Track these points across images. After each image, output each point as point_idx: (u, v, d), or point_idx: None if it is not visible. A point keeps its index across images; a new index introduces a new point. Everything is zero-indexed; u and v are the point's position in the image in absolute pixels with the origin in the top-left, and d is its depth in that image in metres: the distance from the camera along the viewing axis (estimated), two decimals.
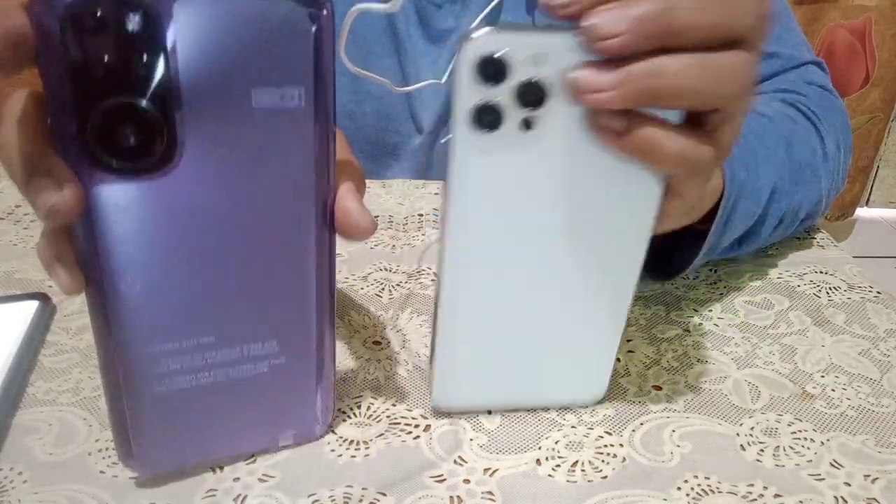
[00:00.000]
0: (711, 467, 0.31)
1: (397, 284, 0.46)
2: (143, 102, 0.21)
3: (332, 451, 0.32)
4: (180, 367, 0.27)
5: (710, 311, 0.44)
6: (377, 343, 0.40)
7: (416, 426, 0.34)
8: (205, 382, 0.28)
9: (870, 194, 1.94)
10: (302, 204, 0.26)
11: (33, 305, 0.39)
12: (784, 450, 0.32)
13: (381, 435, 0.33)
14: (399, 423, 0.34)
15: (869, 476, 0.31)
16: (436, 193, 0.61)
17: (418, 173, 0.69)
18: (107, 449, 0.31)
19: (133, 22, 0.20)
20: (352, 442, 0.33)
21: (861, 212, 1.93)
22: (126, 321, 0.25)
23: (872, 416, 0.35)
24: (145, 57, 0.21)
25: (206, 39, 0.21)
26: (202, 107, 0.22)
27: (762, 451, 0.32)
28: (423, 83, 0.40)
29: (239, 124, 0.23)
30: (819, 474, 0.31)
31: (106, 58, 0.20)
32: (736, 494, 0.30)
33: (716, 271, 0.48)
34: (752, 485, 0.31)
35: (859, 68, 1.61)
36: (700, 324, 0.42)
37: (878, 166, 1.88)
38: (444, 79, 0.41)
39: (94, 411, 0.34)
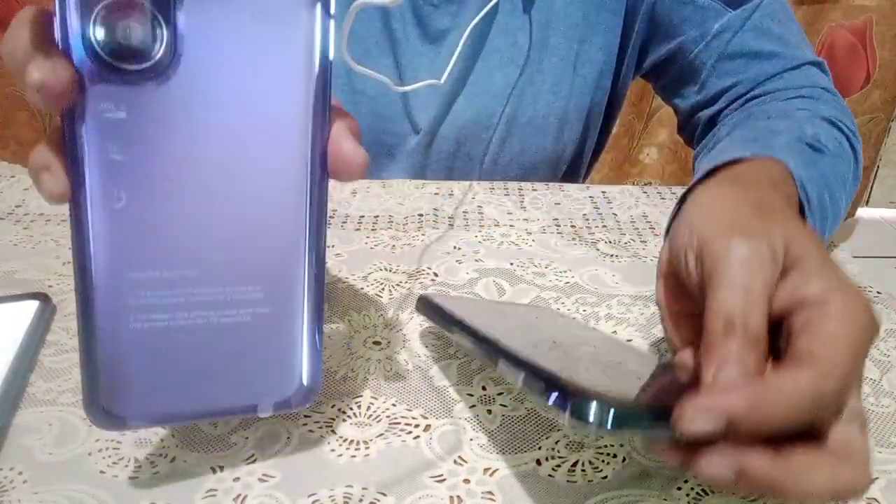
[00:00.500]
0: None
1: (397, 284, 0.46)
2: (150, 4, 0.23)
3: (332, 451, 0.32)
4: (159, 302, 0.26)
5: None
6: (377, 343, 0.40)
7: (416, 426, 0.34)
8: (183, 324, 0.26)
9: (870, 194, 1.94)
10: (296, 133, 0.25)
11: (33, 305, 0.39)
12: None
13: (381, 435, 0.33)
14: (399, 423, 0.34)
15: None
16: (436, 193, 0.61)
17: (415, 173, 0.69)
18: (107, 449, 0.31)
19: None
20: (352, 442, 0.33)
21: (861, 212, 1.93)
22: (107, 240, 0.24)
23: (872, 416, 0.35)
24: None
25: None
26: (204, 24, 0.23)
27: None
28: (421, 83, 0.40)
29: (238, 30, 0.24)
30: None
31: None
32: (736, 494, 0.30)
33: None
34: None
35: (860, 69, 1.61)
36: None
37: (879, 166, 1.88)
38: (444, 78, 0.41)
39: None
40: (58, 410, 0.34)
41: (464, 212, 0.58)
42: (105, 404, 0.26)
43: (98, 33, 0.22)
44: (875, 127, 1.68)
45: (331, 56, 0.25)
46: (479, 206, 0.59)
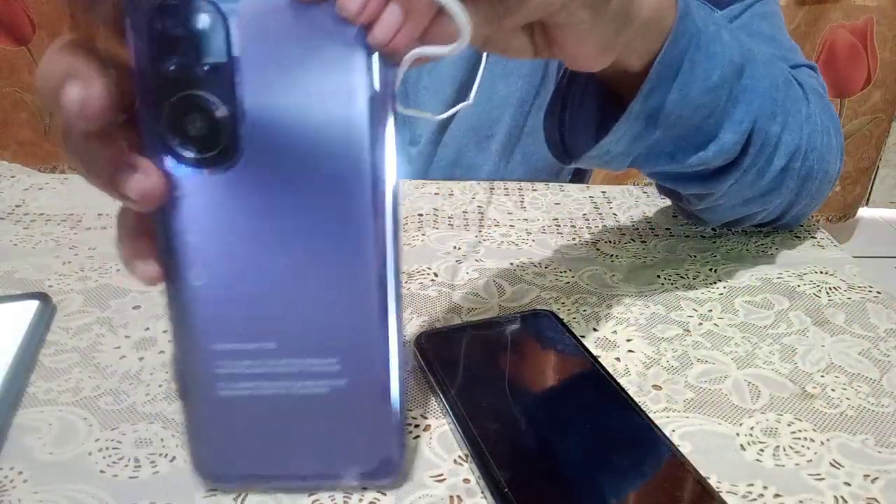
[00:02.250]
0: (711, 467, 0.31)
1: None
2: (208, 94, 0.24)
3: None
4: (242, 372, 0.27)
5: (710, 311, 0.44)
6: None
7: (416, 426, 0.34)
8: (266, 393, 0.27)
9: (870, 194, 1.94)
10: (357, 208, 0.26)
11: (33, 305, 0.39)
12: (784, 450, 0.32)
13: None
14: None
15: (869, 476, 0.31)
16: (436, 193, 0.61)
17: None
18: (107, 449, 0.31)
19: (205, 22, 0.23)
20: None
21: (861, 212, 1.93)
22: (192, 315, 0.26)
23: (872, 415, 0.35)
24: (214, 56, 0.24)
25: (270, 50, 0.24)
26: (263, 106, 0.24)
27: (762, 450, 0.32)
28: (455, 108, 0.40)
29: (296, 123, 0.25)
30: (819, 474, 0.31)
31: (185, 54, 0.24)
32: (736, 494, 0.30)
33: (715, 271, 0.48)
34: (752, 485, 0.31)
35: (861, 69, 1.61)
36: (700, 324, 0.42)
37: (879, 166, 1.88)
38: (471, 98, 0.41)
39: (94, 411, 0.34)
40: (58, 410, 0.34)
41: (464, 212, 0.58)
42: (196, 461, 0.29)
43: (169, 128, 0.24)
44: (876, 127, 1.68)
45: (395, 114, 0.26)
46: (479, 206, 0.59)
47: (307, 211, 0.26)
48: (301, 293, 0.26)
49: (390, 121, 0.25)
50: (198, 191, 0.25)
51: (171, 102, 0.24)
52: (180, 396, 0.28)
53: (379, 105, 0.25)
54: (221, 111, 0.24)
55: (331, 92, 0.24)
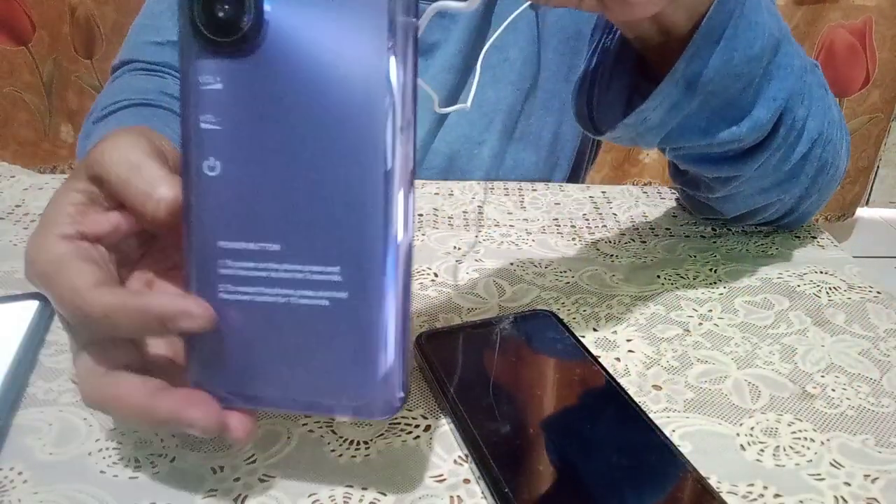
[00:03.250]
0: (711, 467, 0.31)
1: None
2: None
3: (332, 451, 0.32)
4: (244, 274, 0.26)
5: (710, 311, 0.44)
6: None
7: (416, 426, 0.34)
8: (266, 300, 0.27)
9: (870, 194, 1.94)
10: (379, 111, 0.25)
11: (33, 305, 0.39)
12: (784, 450, 0.32)
13: (381, 435, 0.33)
14: (399, 423, 0.34)
15: (869, 476, 0.31)
16: (436, 193, 0.61)
17: None
18: (107, 449, 0.31)
19: None
20: (352, 442, 0.33)
21: (861, 212, 1.93)
22: (201, 207, 0.26)
23: (872, 416, 0.35)
24: None
25: None
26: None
27: (762, 451, 0.32)
28: (454, 107, 0.40)
29: (320, 15, 0.25)
30: (819, 474, 0.31)
31: None
32: (736, 494, 0.30)
33: (715, 271, 0.48)
34: (752, 485, 0.31)
35: (859, 68, 1.61)
36: (700, 324, 0.42)
37: (879, 166, 1.88)
38: (469, 103, 0.41)
39: (94, 411, 0.34)
40: (58, 410, 0.34)
41: (464, 212, 0.58)
42: (193, 371, 0.28)
43: (199, 10, 0.25)
44: (875, 127, 1.68)
45: (417, 25, 0.26)
46: (478, 206, 0.59)
47: (324, 111, 0.25)
48: (311, 197, 0.26)
49: (412, 46, 0.25)
50: (216, 75, 0.25)
51: None
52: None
53: (403, 22, 0.25)
54: None
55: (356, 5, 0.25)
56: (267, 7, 0.25)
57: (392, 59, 0.25)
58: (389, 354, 0.26)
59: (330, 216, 0.26)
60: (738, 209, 0.51)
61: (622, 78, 0.42)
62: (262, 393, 0.28)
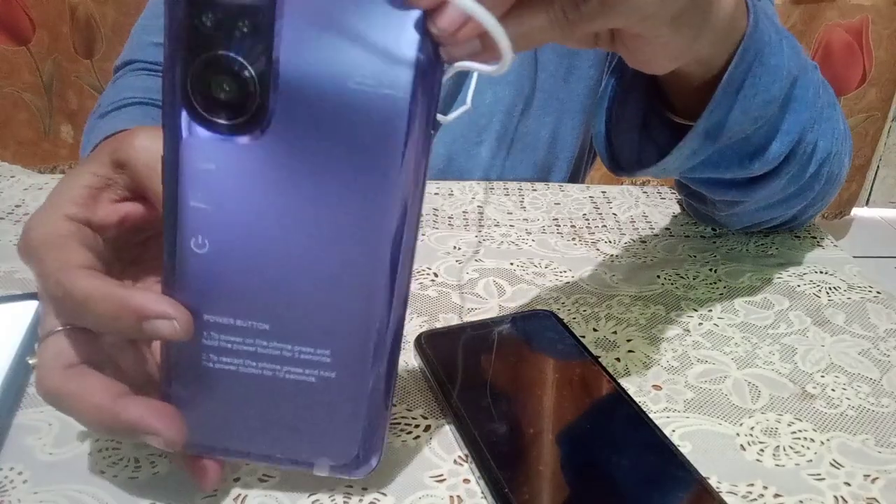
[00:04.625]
0: (711, 467, 0.31)
1: None
2: (241, 58, 0.23)
3: None
4: (230, 347, 0.26)
5: (710, 311, 0.44)
6: None
7: (416, 426, 0.34)
8: (251, 372, 0.27)
9: (870, 194, 1.94)
10: (383, 204, 0.24)
11: (33, 305, 0.39)
12: (784, 450, 0.33)
13: None
14: (399, 423, 0.34)
15: (869, 476, 0.31)
16: (436, 193, 0.61)
17: None
18: (107, 449, 0.31)
19: None
20: None
21: (861, 212, 1.93)
22: (188, 281, 0.26)
23: (872, 416, 0.35)
24: (250, 23, 0.22)
25: (315, 18, 0.22)
26: (299, 78, 0.23)
27: (762, 451, 0.32)
28: (457, 112, 0.40)
29: (333, 102, 0.23)
30: (819, 474, 0.31)
31: (217, 18, 0.22)
32: (736, 494, 0.30)
33: (715, 271, 0.48)
34: (752, 485, 0.31)
35: (856, 67, 1.61)
36: (700, 324, 0.42)
37: (879, 166, 1.89)
38: (468, 101, 0.41)
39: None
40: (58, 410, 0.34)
41: (464, 212, 0.58)
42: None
43: (194, 87, 0.23)
44: (871, 125, 1.69)
45: (434, 125, 0.24)
46: (479, 206, 0.59)
47: (319, 200, 0.24)
48: (305, 279, 0.26)
49: (428, 123, 0.24)
50: (211, 156, 0.24)
51: (200, 60, 0.23)
52: (164, 362, 0.27)
53: (423, 98, 0.23)
54: (251, 76, 0.23)
55: (375, 70, 0.23)
56: (273, 94, 0.23)
57: (402, 179, 0.24)
58: (372, 424, 0.28)
59: (326, 302, 0.26)
60: (742, 223, 0.51)
61: (636, 104, 0.41)
62: (242, 447, 0.28)
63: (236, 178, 0.24)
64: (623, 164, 0.41)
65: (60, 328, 0.27)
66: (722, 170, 0.40)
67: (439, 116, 0.26)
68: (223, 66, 0.23)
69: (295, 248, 0.25)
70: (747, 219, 0.50)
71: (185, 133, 0.24)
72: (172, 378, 0.27)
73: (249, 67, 0.23)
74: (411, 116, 0.23)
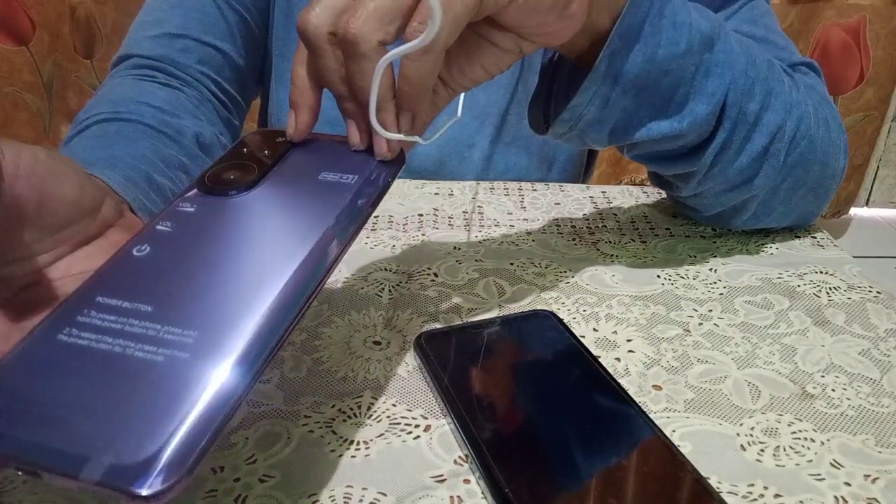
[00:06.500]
0: (711, 467, 0.31)
1: (397, 284, 0.46)
2: (253, 164, 0.33)
3: (332, 451, 0.32)
4: (99, 323, 0.25)
5: (710, 311, 0.44)
6: (377, 343, 0.40)
7: (416, 426, 0.34)
8: (100, 348, 0.25)
9: (869, 194, 1.94)
10: (302, 245, 0.28)
11: None
12: (784, 450, 0.33)
13: (381, 435, 0.33)
14: (399, 423, 0.34)
15: (869, 476, 0.31)
16: (436, 193, 0.61)
17: None
18: None
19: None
20: (352, 442, 0.33)
21: (861, 212, 1.94)
22: (108, 271, 0.28)
23: (872, 416, 0.35)
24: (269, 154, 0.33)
25: (308, 152, 0.34)
26: (283, 174, 0.32)
27: (762, 451, 0.32)
28: (446, 126, 0.40)
29: (304, 185, 0.32)
30: (819, 474, 0.31)
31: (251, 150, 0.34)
32: (736, 494, 0.30)
33: (715, 271, 0.48)
34: (752, 485, 0.31)
35: (854, 67, 1.61)
36: (700, 324, 0.42)
37: (879, 166, 1.89)
38: (459, 113, 0.42)
39: None
40: None
41: (464, 212, 0.58)
42: None
43: (213, 171, 0.32)
44: (869, 125, 1.69)
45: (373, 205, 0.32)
46: (479, 206, 0.59)
47: (261, 229, 0.29)
48: (211, 281, 0.27)
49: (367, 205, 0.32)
50: (194, 204, 0.31)
51: (230, 164, 0.33)
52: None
53: (365, 189, 0.32)
54: (254, 176, 0.32)
55: (338, 170, 0.33)
56: (262, 181, 0.32)
57: (323, 244, 0.29)
58: (191, 432, 0.22)
59: (216, 295, 0.26)
60: (713, 207, 0.51)
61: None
62: (20, 433, 0.23)
63: (203, 219, 0.30)
64: (545, 122, 0.45)
65: None
66: (652, 132, 0.43)
67: (430, 131, 0.36)
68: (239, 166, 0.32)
69: (212, 261, 0.28)
70: (715, 201, 0.50)
71: (188, 190, 0.31)
72: (14, 350, 0.25)
73: (257, 170, 0.32)
74: (355, 193, 0.31)
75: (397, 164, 0.34)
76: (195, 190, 0.31)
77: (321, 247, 0.28)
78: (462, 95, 0.39)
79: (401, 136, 0.33)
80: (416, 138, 0.34)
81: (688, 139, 0.44)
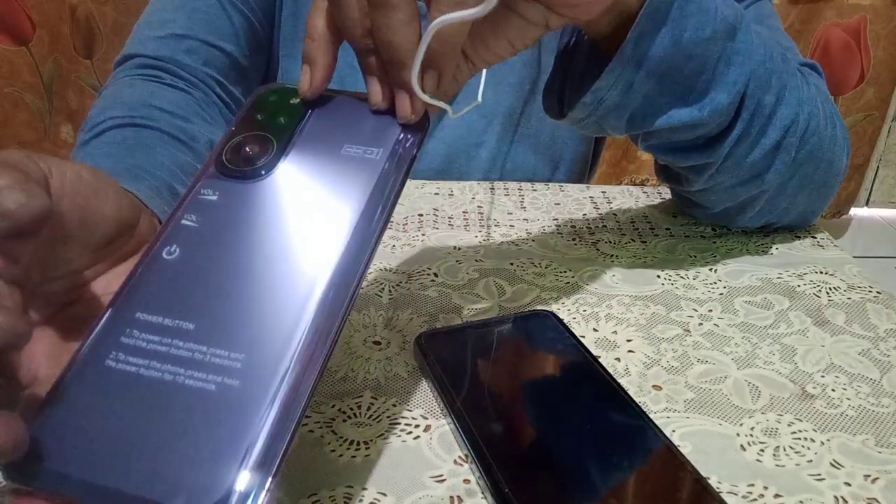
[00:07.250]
0: (711, 467, 0.31)
1: (397, 284, 0.46)
2: (271, 135, 0.30)
3: (333, 451, 0.32)
4: (144, 346, 0.25)
5: (710, 311, 0.44)
6: (377, 343, 0.40)
7: (416, 426, 0.34)
8: (150, 375, 0.24)
9: (870, 194, 1.94)
10: (339, 238, 0.27)
11: None
12: (784, 450, 0.33)
13: (381, 435, 0.33)
14: (399, 423, 0.34)
15: (869, 476, 0.31)
16: (436, 193, 0.61)
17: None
18: None
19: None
20: (352, 442, 0.33)
21: (861, 212, 1.93)
22: (141, 282, 0.27)
23: (872, 416, 0.35)
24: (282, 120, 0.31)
25: (326, 117, 0.31)
26: (304, 148, 0.30)
27: (762, 451, 0.32)
28: (469, 106, 0.40)
29: (328, 162, 0.30)
30: (819, 474, 0.31)
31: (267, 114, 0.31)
32: (736, 494, 0.30)
33: (716, 271, 0.48)
34: (752, 485, 0.31)
35: (854, 67, 1.61)
36: (700, 324, 0.42)
37: (879, 166, 1.89)
38: (479, 97, 0.42)
39: None
40: None
41: (464, 212, 0.58)
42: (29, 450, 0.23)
43: (230, 147, 0.30)
44: (869, 125, 1.69)
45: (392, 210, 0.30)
46: (478, 206, 0.59)
47: (291, 223, 0.28)
48: (247, 287, 0.26)
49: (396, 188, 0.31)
50: (216, 189, 0.29)
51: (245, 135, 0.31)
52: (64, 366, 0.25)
53: (396, 156, 0.31)
54: (273, 147, 0.30)
55: (360, 146, 0.30)
56: (283, 157, 0.30)
57: (357, 228, 0.28)
58: (260, 460, 0.23)
59: (256, 309, 0.26)
60: (721, 202, 0.51)
61: (591, 75, 0.42)
62: (85, 476, 0.23)
63: (229, 208, 0.28)
64: (564, 108, 0.44)
65: None
66: (672, 120, 0.42)
67: (449, 111, 0.33)
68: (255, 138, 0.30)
69: (246, 259, 0.27)
70: (724, 195, 0.50)
71: (206, 173, 0.29)
72: (65, 376, 0.25)
73: (275, 144, 0.30)
74: (383, 172, 0.30)
75: (421, 129, 0.31)
76: (212, 169, 0.29)
77: (354, 246, 0.27)
78: (483, 79, 0.39)
79: (433, 101, 0.30)
80: (446, 105, 0.31)
81: (706, 129, 0.43)
